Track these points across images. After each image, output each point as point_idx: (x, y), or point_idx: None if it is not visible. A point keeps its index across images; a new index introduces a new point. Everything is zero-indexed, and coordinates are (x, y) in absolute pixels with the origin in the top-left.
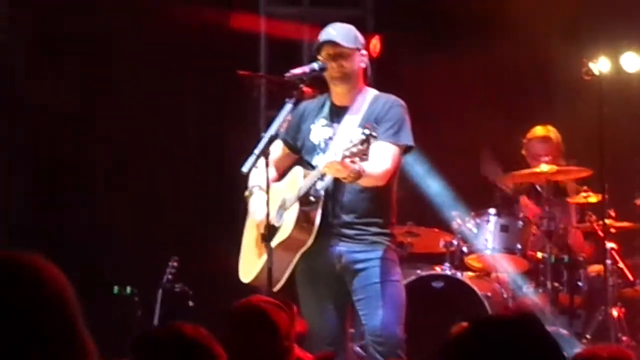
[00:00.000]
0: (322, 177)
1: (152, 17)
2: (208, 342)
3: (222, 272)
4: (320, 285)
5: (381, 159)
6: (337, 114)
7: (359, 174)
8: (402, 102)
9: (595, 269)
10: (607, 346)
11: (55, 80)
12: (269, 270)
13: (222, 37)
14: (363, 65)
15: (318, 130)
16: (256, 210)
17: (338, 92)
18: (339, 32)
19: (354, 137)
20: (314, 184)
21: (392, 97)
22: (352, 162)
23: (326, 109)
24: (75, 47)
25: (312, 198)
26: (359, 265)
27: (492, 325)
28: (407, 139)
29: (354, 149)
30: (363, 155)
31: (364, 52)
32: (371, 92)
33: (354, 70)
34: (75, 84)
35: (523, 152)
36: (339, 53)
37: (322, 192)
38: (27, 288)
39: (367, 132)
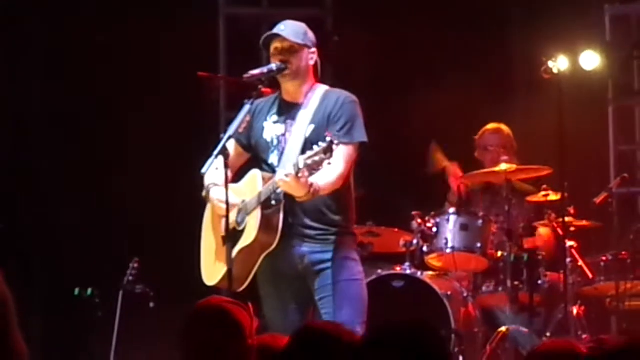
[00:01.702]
0: None
1: (113, 18)
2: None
3: (182, 273)
4: (283, 285)
5: (334, 163)
6: (288, 110)
7: (316, 194)
8: (353, 97)
9: (554, 276)
10: (559, 340)
11: (17, 82)
12: (229, 271)
13: (182, 38)
14: (312, 62)
15: (270, 128)
16: (220, 199)
17: (288, 89)
18: (287, 27)
19: (316, 145)
20: (274, 190)
21: (344, 93)
22: (306, 181)
23: (277, 106)
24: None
25: (273, 202)
26: (321, 265)
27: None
28: (361, 135)
29: (316, 158)
30: (327, 163)
31: (313, 49)
32: (322, 88)
33: (301, 66)
34: (36, 85)
35: (476, 154)
36: (287, 48)
37: (283, 195)
38: None
39: (329, 139)
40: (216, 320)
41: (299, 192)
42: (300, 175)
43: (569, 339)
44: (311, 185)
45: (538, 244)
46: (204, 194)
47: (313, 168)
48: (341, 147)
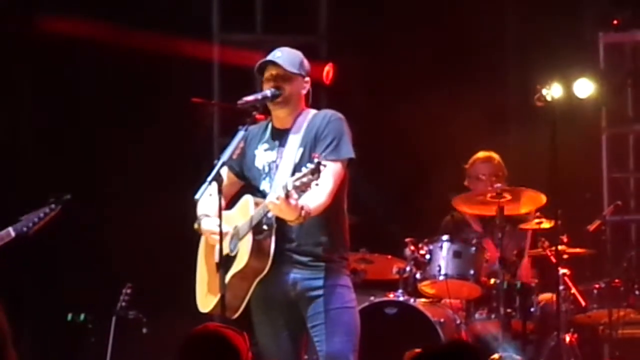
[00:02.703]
0: None
1: (106, 44)
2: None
3: (175, 299)
4: (275, 312)
5: (322, 182)
6: (278, 136)
7: (307, 216)
8: (340, 115)
9: (545, 297)
10: None
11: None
12: (222, 297)
13: (176, 64)
14: (304, 91)
15: (262, 155)
16: (212, 230)
17: (279, 116)
18: (283, 55)
19: (304, 166)
20: (265, 214)
21: (330, 112)
22: (297, 204)
23: (268, 133)
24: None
25: (265, 227)
26: (313, 293)
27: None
28: (348, 152)
29: (304, 179)
30: (315, 184)
31: (307, 79)
32: (310, 112)
33: (294, 94)
34: (27, 111)
35: (466, 183)
36: (281, 75)
37: (274, 220)
38: None
39: (316, 160)
40: (214, 346)
41: (289, 216)
42: (289, 197)
43: None
44: (302, 208)
45: (519, 271)
46: (195, 226)
47: (302, 189)
48: (329, 164)
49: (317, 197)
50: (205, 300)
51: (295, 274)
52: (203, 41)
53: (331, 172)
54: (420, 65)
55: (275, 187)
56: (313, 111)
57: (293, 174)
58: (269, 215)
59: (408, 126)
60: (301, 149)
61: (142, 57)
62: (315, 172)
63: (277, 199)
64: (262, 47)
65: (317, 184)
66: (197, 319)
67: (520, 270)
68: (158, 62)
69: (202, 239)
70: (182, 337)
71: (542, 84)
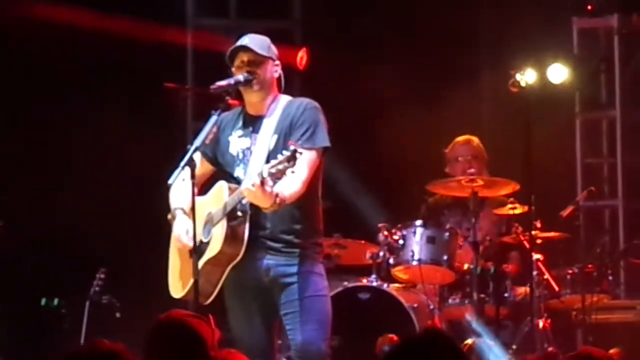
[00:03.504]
0: None
1: (80, 29)
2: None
3: (149, 284)
4: (248, 297)
5: (297, 170)
6: (252, 123)
7: (282, 203)
8: (315, 103)
9: (520, 290)
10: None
11: None
12: (195, 282)
13: (149, 49)
14: (276, 74)
15: (236, 142)
16: (180, 234)
17: (252, 101)
18: (252, 40)
19: (279, 153)
20: (240, 200)
21: (306, 100)
22: (272, 191)
23: (241, 120)
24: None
25: (239, 213)
26: (286, 280)
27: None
28: (323, 140)
29: (280, 166)
30: (290, 171)
31: (277, 62)
32: (284, 98)
33: (267, 78)
34: None
35: (447, 169)
36: (253, 60)
37: (249, 206)
38: None
39: (292, 148)
40: (177, 334)
41: (264, 203)
42: (264, 184)
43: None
44: (277, 195)
45: (511, 271)
46: (169, 217)
47: (277, 177)
48: (304, 152)
49: (292, 185)
50: (178, 286)
51: (268, 260)
52: (177, 26)
53: (306, 160)
54: (393, 51)
55: (250, 174)
56: (287, 97)
57: (267, 160)
58: (244, 201)
59: (381, 112)
60: (275, 136)
61: (115, 42)
62: (291, 159)
63: (253, 185)
64: (236, 33)
65: (292, 172)
66: (170, 304)
67: (511, 261)
68: (132, 47)
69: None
70: (149, 325)
71: (516, 70)
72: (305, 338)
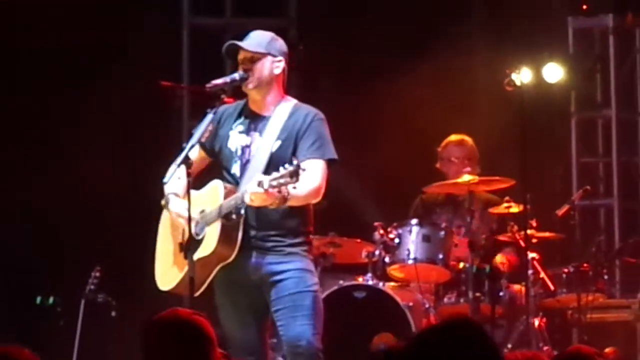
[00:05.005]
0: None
1: (75, 26)
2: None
3: (144, 282)
4: (239, 296)
5: (309, 176)
6: (254, 121)
7: (284, 200)
8: (321, 115)
9: (515, 288)
10: (522, 352)
11: None
12: (190, 279)
13: (145, 47)
14: (278, 71)
15: (235, 137)
16: (179, 213)
17: (253, 98)
18: (250, 37)
19: (282, 166)
20: (237, 205)
21: (312, 111)
22: (279, 191)
23: (243, 115)
24: None
25: (233, 216)
26: (276, 277)
27: (434, 335)
28: (331, 153)
29: (282, 180)
30: (292, 187)
31: (279, 58)
32: (290, 102)
33: (264, 75)
34: None
35: (438, 165)
36: (248, 58)
37: (244, 210)
38: None
39: (295, 163)
40: (187, 332)
41: (268, 202)
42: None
43: (531, 351)
44: (280, 194)
45: (503, 268)
46: (162, 202)
47: (279, 191)
48: (314, 161)
49: (301, 187)
50: (166, 279)
51: (258, 259)
52: (173, 24)
53: (319, 168)
54: (389, 49)
55: (249, 177)
56: (293, 101)
57: (269, 164)
58: (240, 206)
59: (377, 110)
60: (279, 141)
61: (111, 40)
62: (294, 175)
63: (253, 196)
64: (232, 31)
65: (294, 187)
66: (165, 302)
67: (506, 257)
68: (128, 46)
69: (163, 216)
70: (149, 323)
71: (512, 69)
72: (297, 333)
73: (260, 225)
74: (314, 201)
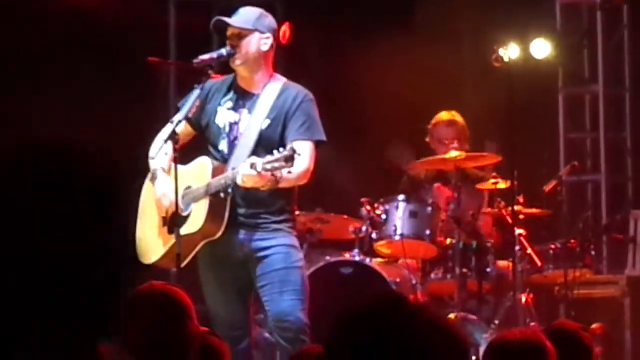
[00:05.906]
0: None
1: (60, 3)
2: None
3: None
4: (223, 272)
5: (299, 158)
6: (243, 98)
7: (276, 183)
8: (311, 96)
9: (503, 264)
10: (520, 331)
11: None
12: (178, 256)
13: (132, 24)
14: (266, 47)
15: (224, 114)
16: (165, 193)
17: (243, 76)
18: (238, 14)
19: (276, 150)
20: (226, 184)
21: (302, 92)
22: (273, 174)
23: (232, 92)
24: None
25: (222, 194)
26: (261, 253)
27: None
28: (320, 134)
29: (277, 164)
30: (287, 172)
31: (267, 34)
32: (279, 81)
33: (251, 51)
34: None
35: (427, 139)
36: (236, 34)
37: (232, 188)
38: None
39: (290, 147)
40: (161, 304)
41: (259, 184)
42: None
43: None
44: (271, 176)
45: (483, 231)
46: (149, 177)
47: (272, 174)
48: (303, 142)
49: (294, 170)
50: (147, 251)
51: (243, 235)
52: (159, 0)
53: (307, 149)
54: (377, 26)
55: (239, 154)
56: (282, 80)
57: (258, 142)
58: (229, 186)
59: (365, 87)
60: (268, 120)
61: (97, 17)
62: (290, 160)
63: (245, 177)
64: (219, 6)
65: (289, 172)
66: (152, 276)
67: (481, 227)
68: (114, 22)
69: (145, 189)
70: (132, 297)
71: (499, 45)
72: (283, 309)
73: (248, 204)
74: (302, 183)
